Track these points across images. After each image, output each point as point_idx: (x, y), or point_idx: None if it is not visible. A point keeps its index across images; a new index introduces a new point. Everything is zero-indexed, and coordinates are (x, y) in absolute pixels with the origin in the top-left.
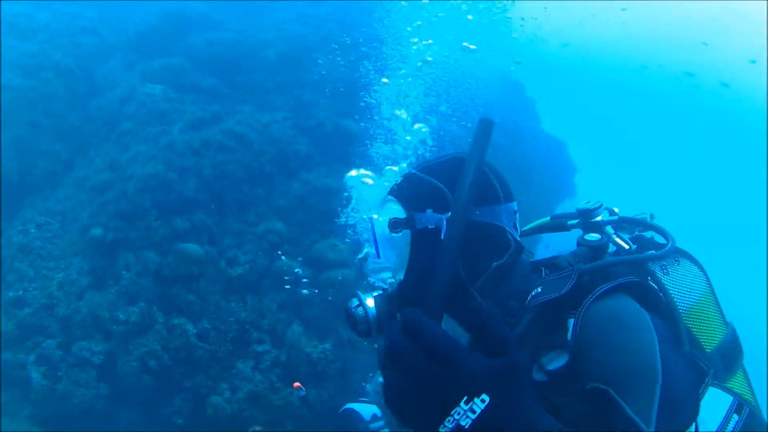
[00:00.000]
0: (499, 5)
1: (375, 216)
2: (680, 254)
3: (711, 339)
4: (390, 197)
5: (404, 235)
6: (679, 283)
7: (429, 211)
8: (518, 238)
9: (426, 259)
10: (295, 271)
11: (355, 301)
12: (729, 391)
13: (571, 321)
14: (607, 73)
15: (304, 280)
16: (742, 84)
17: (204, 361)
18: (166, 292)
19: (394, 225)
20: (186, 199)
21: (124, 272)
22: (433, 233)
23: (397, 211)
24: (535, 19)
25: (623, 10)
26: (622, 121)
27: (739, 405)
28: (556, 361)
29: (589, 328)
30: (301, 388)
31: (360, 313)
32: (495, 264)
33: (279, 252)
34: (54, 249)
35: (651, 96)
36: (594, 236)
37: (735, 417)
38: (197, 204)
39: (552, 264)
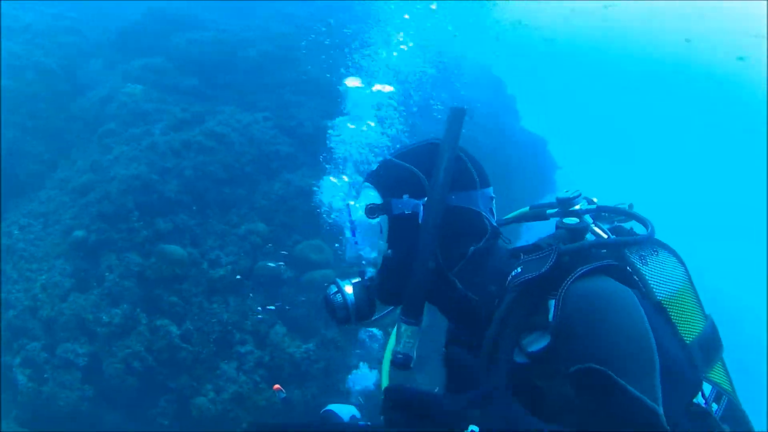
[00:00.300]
0: None
1: (352, 202)
2: (659, 245)
3: (690, 330)
4: (366, 183)
5: (381, 221)
6: (657, 274)
7: (405, 197)
8: (495, 224)
9: (404, 245)
10: (280, 263)
11: (333, 288)
12: (708, 380)
13: (552, 302)
14: (593, 68)
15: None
16: (731, 79)
17: (188, 362)
18: (149, 293)
19: (371, 211)
20: (168, 201)
21: (107, 274)
22: (409, 219)
23: (373, 197)
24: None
25: (606, 7)
26: (608, 117)
27: (718, 394)
28: (537, 343)
29: (572, 308)
30: (281, 390)
31: (339, 300)
32: (472, 249)
33: (262, 252)
34: (37, 251)
35: (639, 90)
36: (573, 219)
37: (714, 406)
38: (179, 205)
39: (530, 247)
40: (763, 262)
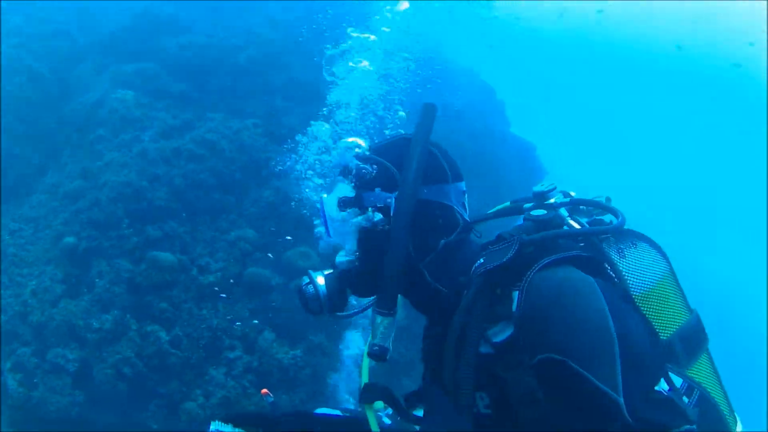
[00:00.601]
0: None
1: (324, 195)
2: (639, 238)
3: (668, 324)
4: (339, 177)
5: (353, 214)
6: (634, 267)
7: (377, 190)
8: (467, 217)
9: (376, 238)
10: (267, 274)
11: (306, 279)
12: (679, 374)
13: (516, 293)
14: (584, 68)
15: None
16: (726, 86)
17: (177, 367)
18: (140, 299)
19: (343, 204)
20: (158, 208)
21: (97, 280)
22: (381, 212)
23: (346, 190)
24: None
25: (599, 12)
26: (600, 118)
27: (689, 388)
28: (501, 334)
29: (535, 298)
30: (269, 395)
31: (311, 290)
32: (443, 242)
33: (251, 259)
34: (27, 256)
35: (632, 92)
36: (540, 211)
37: (684, 400)
38: (169, 212)
39: (495, 239)
40: (764, 259)
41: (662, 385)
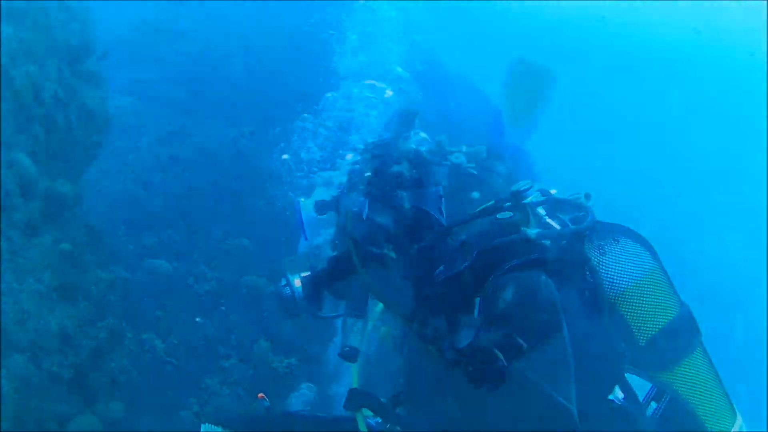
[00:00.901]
0: None
1: (302, 199)
2: (622, 233)
3: (651, 322)
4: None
5: (330, 217)
6: (613, 265)
7: (354, 194)
8: (443, 222)
9: (350, 240)
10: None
11: (283, 281)
12: (649, 378)
13: (478, 300)
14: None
15: None
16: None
17: (172, 375)
18: (135, 307)
19: (320, 207)
20: (154, 215)
21: (92, 288)
22: (356, 215)
23: (323, 193)
24: None
25: (602, 18)
26: (594, 117)
27: (659, 392)
28: (465, 340)
29: (494, 306)
30: (265, 399)
31: (287, 292)
32: (416, 246)
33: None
34: (23, 262)
35: (628, 89)
36: (506, 214)
37: (653, 404)
38: (165, 220)
39: (460, 244)
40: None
41: (616, 393)
